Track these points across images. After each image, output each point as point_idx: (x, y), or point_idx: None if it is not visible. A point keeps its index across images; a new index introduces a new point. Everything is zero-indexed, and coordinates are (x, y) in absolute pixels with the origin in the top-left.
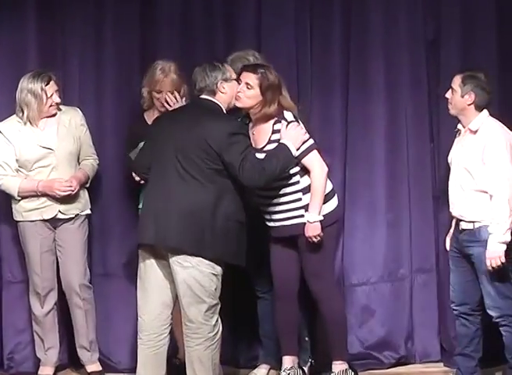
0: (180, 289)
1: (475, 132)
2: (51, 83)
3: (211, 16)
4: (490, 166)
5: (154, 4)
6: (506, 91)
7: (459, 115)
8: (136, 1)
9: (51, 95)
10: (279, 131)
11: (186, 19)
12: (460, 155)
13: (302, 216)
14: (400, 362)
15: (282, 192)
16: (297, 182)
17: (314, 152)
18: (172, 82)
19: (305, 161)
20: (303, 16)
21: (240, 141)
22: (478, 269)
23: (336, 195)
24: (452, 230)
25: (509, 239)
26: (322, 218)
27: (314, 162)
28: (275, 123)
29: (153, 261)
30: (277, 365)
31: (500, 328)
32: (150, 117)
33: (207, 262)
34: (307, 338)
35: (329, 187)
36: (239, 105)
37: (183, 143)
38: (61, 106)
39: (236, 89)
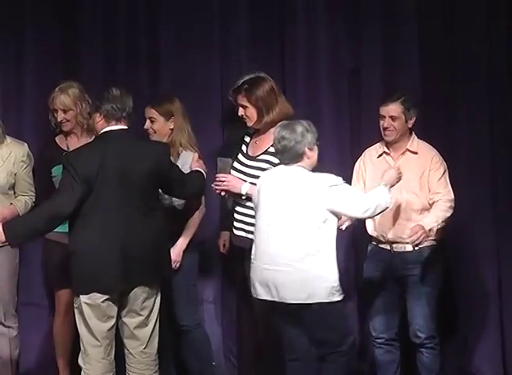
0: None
1: (416, 153)
2: None
3: (135, 46)
4: (442, 179)
5: (76, 30)
6: (429, 116)
7: (398, 141)
8: (58, 31)
9: None
10: None
11: (110, 47)
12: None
13: None
14: None
15: None
16: None
17: None
18: (62, 101)
19: None
20: (228, 45)
21: None
22: (417, 291)
23: None
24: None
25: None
26: (248, 188)
27: None
28: None
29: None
30: None
31: (424, 350)
32: (62, 141)
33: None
34: (214, 363)
35: None
36: (250, 124)
37: None
38: (8, 138)
39: None
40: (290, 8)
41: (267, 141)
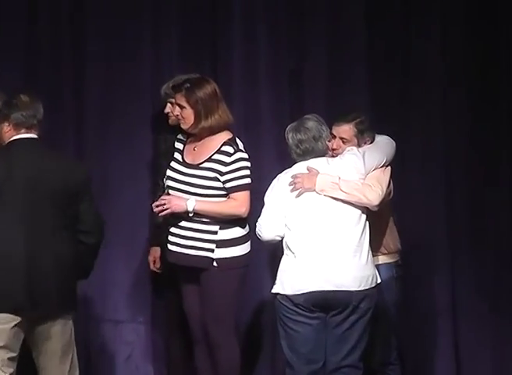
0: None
1: None
2: None
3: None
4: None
5: None
6: (380, 120)
7: None
8: None
9: None
10: (225, 153)
11: (31, 52)
12: None
13: (212, 250)
14: None
15: (198, 218)
16: None
17: (246, 193)
18: None
19: (234, 195)
20: (159, 46)
21: None
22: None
23: (250, 241)
24: None
25: None
26: (194, 204)
27: (242, 199)
28: (224, 144)
29: None
30: None
31: None
32: None
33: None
34: None
35: (247, 230)
36: (184, 127)
37: None
38: None
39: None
40: (225, 7)
41: (209, 147)
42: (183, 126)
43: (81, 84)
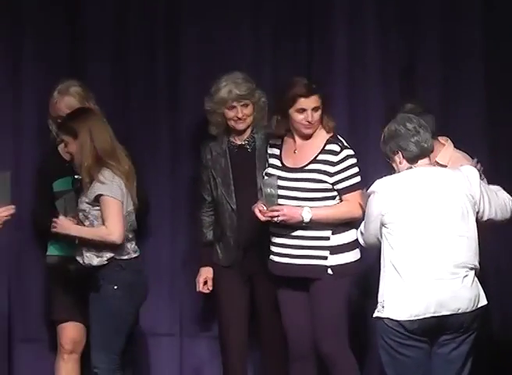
0: None
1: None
2: None
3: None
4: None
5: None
6: (493, 119)
7: None
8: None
9: None
10: (331, 152)
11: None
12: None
13: (325, 257)
14: None
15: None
16: None
17: (360, 192)
18: (68, 104)
19: (348, 196)
20: (259, 41)
21: None
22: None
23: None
24: None
25: None
26: (310, 216)
27: (357, 200)
28: (328, 143)
29: None
30: None
31: None
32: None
33: None
34: None
35: (355, 235)
36: (312, 130)
37: None
38: None
39: None
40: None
41: (312, 147)
42: (311, 130)
43: (176, 85)
